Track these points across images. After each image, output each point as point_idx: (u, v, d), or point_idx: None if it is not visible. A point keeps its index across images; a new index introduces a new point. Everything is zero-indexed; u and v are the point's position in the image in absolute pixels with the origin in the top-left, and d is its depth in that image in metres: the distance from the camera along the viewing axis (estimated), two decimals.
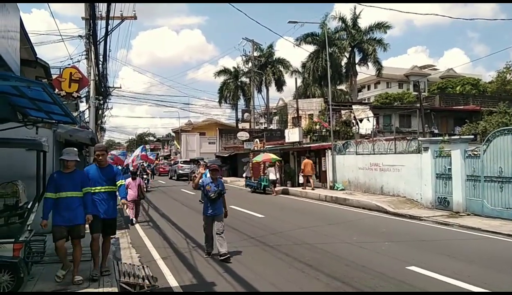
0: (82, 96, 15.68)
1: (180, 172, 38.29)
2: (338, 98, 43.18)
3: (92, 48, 16.13)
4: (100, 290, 6.14)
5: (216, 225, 8.25)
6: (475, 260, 8.28)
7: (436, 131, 30.09)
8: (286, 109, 43.75)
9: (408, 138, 18.68)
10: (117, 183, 6.89)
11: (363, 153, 19.91)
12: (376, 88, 68.40)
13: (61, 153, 6.69)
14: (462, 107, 35.43)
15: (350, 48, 42.07)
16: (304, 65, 44.62)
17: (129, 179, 13.32)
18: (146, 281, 6.41)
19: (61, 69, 13.30)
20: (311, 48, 43.14)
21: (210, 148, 50.66)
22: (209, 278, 7.27)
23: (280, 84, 52.07)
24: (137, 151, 23.70)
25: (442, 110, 34.30)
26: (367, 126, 28.43)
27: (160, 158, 64.66)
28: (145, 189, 22.36)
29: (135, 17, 18.88)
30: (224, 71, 55.51)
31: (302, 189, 21.94)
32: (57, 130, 9.82)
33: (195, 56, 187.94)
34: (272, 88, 53.31)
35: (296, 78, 34.54)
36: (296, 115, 30.89)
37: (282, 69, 51.75)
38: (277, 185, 23.93)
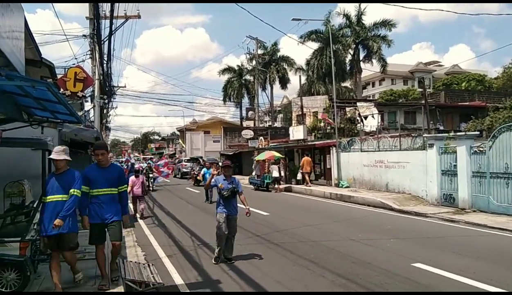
0: (87, 95, 15.36)
1: (184, 170, 38.52)
2: (343, 96, 42.79)
3: (97, 47, 16.15)
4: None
5: (228, 227, 7.93)
6: (481, 256, 8.20)
7: (441, 128, 29.72)
8: (290, 107, 43.24)
9: (413, 135, 18.54)
10: (120, 187, 6.31)
11: (368, 150, 19.71)
12: (381, 85, 67.84)
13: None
14: (467, 103, 35.13)
15: (354, 45, 41.77)
16: (308, 63, 44.11)
17: (133, 177, 13.71)
18: (152, 279, 6.35)
19: (66, 69, 13.24)
20: (315, 45, 42.91)
21: (215, 146, 49.97)
22: (215, 276, 7.23)
23: (284, 82, 51.51)
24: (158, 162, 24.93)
25: (448, 107, 34.07)
26: (372, 123, 28.23)
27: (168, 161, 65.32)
28: (151, 188, 22.99)
29: (139, 16, 18.86)
30: (228, 69, 55.11)
31: (306, 186, 21.87)
32: (62, 129, 9.81)
33: (199, 55, 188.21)
34: (276, 86, 52.95)
35: (300, 76, 34.46)
36: (300, 113, 30.95)
37: (286, 67, 51.22)
38: (281, 182, 23.77)
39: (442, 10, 62.41)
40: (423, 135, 17.19)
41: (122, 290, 6.08)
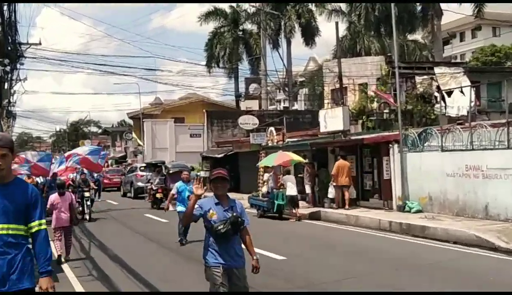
0: None
1: (140, 184, 28.35)
2: (410, 56, 36.61)
3: None
4: None
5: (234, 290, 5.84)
6: None
7: None
8: (320, 76, 35.08)
9: None
10: (31, 224, 4.53)
11: (453, 148, 16.61)
12: (475, 37, 56.59)
13: None
14: None
15: None
16: (351, 3, 35.60)
17: (55, 195, 11.79)
18: None
19: None
20: None
21: (193, 143, 37.68)
22: None
23: (310, 34, 39.51)
24: (82, 149, 19.04)
25: None
26: (460, 102, 23.68)
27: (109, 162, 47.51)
28: (86, 216, 18.65)
29: None
30: (215, 13, 40.84)
31: (344, 209, 18.27)
32: None
33: None
34: (297, 40, 40.44)
35: (337, 23, 26.77)
36: (338, 86, 26.08)
37: (313, 7, 39.16)
38: (309, 203, 19.79)
39: None
40: None
41: None
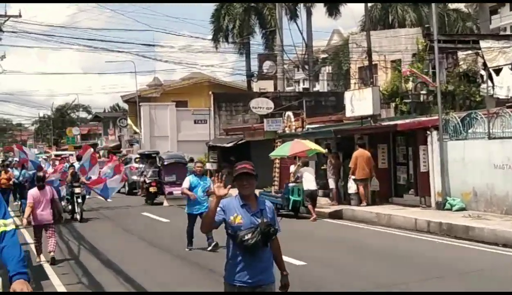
0: None
1: (135, 178, 26.28)
2: (452, 28, 33.61)
3: None
4: None
5: None
6: None
7: None
8: (346, 52, 32.60)
9: None
10: None
11: (503, 135, 15.51)
12: None
13: None
14: None
15: None
16: None
17: (34, 190, 11.39)
18: None
19: None
20: None
21: (198, 130, 34.64)
22: None
23: (333, 2, 36.68)
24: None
25: None
26: (510, 82, 22.02)
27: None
28: (77, 215, 17.21)
29: None
30: None
31: (361, 206, 17.16)
32: None
33: None
34: (318, 10, 37.77)
35: None
36: (366, 63, 24.37)
37: None
38: (332, 201, 18.39)
39: None
40: None
41: None
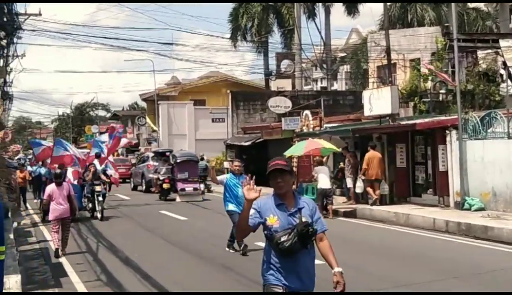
0: None
1: (151, 176, 25.88)
2: (471, 27, 33.24)
3: None
4: None
5: None
6: None
7: None
8: (364, 50, 32.61)
9: None
10: None
11: None
12: None
13: None
14: None
15: None
16: None
17: (51, 186, 11.49)
18: None
19: None
20: None
21: (216, 128, 34.66)
22: None
23: (352, 2, 36.71)
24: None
25: None
26: None
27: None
28: (97, 213, 16.94)
29: None
30: None
31: (371, 206, 17.07)
32: None
33: None
34: (337, 8, 38.03)
35: None
36: (385, 62, 24.19)
37: None
38: (351, 199, 18.11)
39: None
40: None
41: None
